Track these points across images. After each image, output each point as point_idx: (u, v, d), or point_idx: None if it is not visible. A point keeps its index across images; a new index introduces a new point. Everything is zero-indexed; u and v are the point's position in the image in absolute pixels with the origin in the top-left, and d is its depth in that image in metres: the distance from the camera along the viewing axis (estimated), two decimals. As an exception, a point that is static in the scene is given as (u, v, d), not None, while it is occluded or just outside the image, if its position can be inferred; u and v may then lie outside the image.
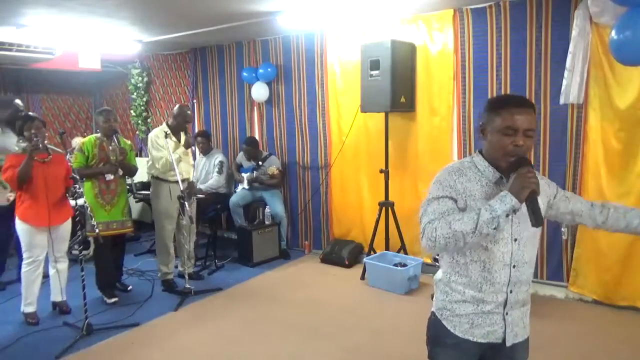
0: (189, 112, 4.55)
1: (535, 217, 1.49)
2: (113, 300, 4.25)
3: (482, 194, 1.60)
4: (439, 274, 1.76)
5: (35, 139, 3.63)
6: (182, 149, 4.47)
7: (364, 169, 5.14)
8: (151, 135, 4.49)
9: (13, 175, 3.61)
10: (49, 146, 3.82)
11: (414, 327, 3.67)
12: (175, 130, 4.46)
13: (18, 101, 4.67)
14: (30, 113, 4.09)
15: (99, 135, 4.25)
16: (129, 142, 4.48)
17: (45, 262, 3.92)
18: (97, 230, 3.79)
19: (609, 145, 3.77)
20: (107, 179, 4.15)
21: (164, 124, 4.53)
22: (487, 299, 1.64)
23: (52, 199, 3.76)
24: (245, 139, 5.70)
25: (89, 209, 3.88)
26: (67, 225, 3.97)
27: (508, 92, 4.16)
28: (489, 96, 4.25)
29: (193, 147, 4.71)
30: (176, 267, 4.73)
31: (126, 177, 4.50)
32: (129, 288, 4.54)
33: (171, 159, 4.24)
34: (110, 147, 4.21)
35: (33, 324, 3.81)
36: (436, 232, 1.49)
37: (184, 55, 6.45)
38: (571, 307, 3.93)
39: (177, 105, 4.62)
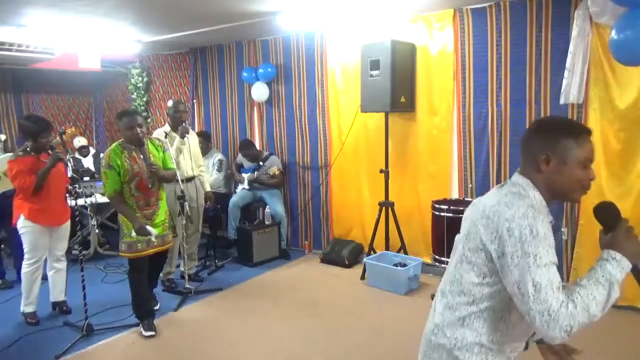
0: (181, 104, 4.53)
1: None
2: (150, 333, 3.57)
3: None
4: (469, 337, 1.43)
5: (57, 149, 3.64)
6: (178, 141, 4.32)
7: (364, 169, 5.14)
8: (153, 135, 4.43)
9: (28, 182, 3.55)
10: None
11: (414, 327, 3.68)
12: (176, 126, 4.42)
13: None
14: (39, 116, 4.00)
15: (122, 141, 3.57)
16: (158, 142, 3.82)
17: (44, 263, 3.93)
18: (123, 248, 3.53)
19: (609, 146, 3.77)
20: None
21: (166, 125, 4.53)
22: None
23: (58, 199, 3.80)
24: (239, 144, 5.70)
25: (124, 227, 3.54)
26: (68, 224, 3.98)
27: (508, 92, 4.16)
28: (489, 96, 4.25)
29: (188, 137, 4.56)
30: (178, 266, 4.73)
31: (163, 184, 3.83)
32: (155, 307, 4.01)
33: (171, 154, 4.15)
34: (141, 156, 3.53)
35: (33, 323, 3.81)
36: (573, 320, 1.23)
37: (184, 55, 6.45)
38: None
39: (170, 101, 4.62)
